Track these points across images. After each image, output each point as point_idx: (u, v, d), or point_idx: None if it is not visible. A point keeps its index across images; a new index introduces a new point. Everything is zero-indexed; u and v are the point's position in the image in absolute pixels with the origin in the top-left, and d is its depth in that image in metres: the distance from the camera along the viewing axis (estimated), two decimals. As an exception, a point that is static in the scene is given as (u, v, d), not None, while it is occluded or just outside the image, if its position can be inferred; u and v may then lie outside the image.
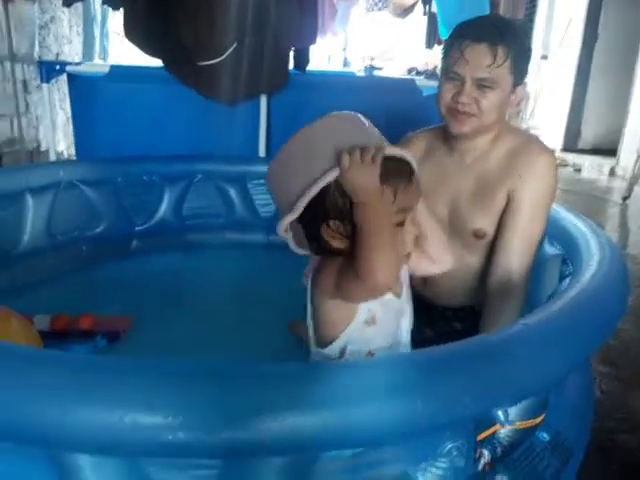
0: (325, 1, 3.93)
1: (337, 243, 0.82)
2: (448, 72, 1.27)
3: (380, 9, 4.45)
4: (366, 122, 0.86)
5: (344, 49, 7.06)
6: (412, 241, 0.86)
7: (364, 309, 0.85)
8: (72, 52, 4.80)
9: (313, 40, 3.05)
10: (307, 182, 0.78)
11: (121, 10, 2.70)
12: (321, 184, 0.77)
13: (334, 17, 4.07)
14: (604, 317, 0.99)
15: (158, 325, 1.59)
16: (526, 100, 7.99)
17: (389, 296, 0.88)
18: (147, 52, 2.64)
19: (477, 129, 1.29)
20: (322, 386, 0.70)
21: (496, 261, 1.32)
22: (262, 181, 2.57)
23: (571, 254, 1.35)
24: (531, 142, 1.33)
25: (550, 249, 1.52)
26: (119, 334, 1.59)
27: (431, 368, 0.76)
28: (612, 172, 5.51)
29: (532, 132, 7.10)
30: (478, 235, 1.35)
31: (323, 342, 0.88)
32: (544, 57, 7.66)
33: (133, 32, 2.59)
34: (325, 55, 6.72)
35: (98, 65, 2.99)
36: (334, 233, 0.81)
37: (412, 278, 1.53)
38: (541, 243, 1.39)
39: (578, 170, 5.81)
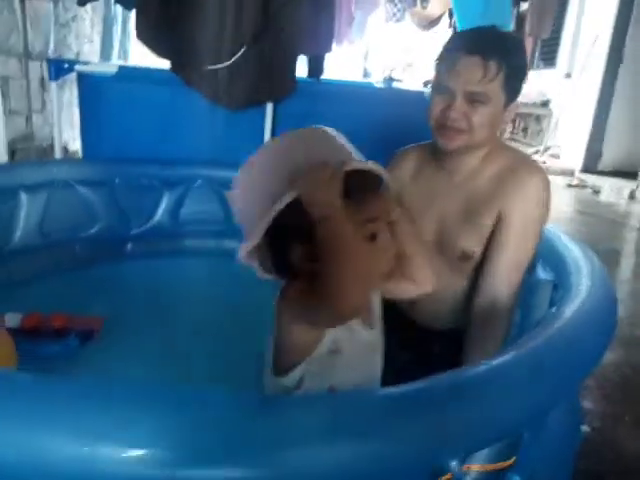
0: (342, 8, 3.90)
1: (304, 266, 0.77)
2: (439, 86, 1.22)
3: (398, 20, 4.41)
4: (333, 137, 0.81)
5: (365, 59, 7.04)
6: (393, 257, 0.80)
7: (329, 338, 0.79)
8: (92, 51, 4.86)
9: (328, 48, 3.01)
10: (264, 207, 0.74)
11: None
12: (277, 208, 0.73)
13: (351, 25, 4.04)
14: (581, 356, 0.92)
15: (133, 329, 1.56)
16: (548, 118, 7.89)
17: (358, 326, 0.83)
18: (156, 53, 2.64)
19: (467, 146, 1.23)
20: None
21: (481, 284, 1.26)
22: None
23: (561, 280, 1.28)
24: (522, 162, 1.27)
25: (542, 273, 1.45)
26: (92, 334, 1.57)
27: (383, 410, 0.70)
28: (632, 195, 5.37)
29: (553, 151, 6.98)
30: (465, 256, 1.30)
31: (281, 369, 0.82)
32: (568, 75, 7.55)
33: (144, 32, 2.59)
34: (345, 64, 6.70)
35: (106, 65, 2.99)
36: (301, 256, 0.77)
37: (396, 302, 1.51)
38: (532, 267, 1.33)
39: (597, 192, 5.69)
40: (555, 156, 6.90)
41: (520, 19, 9.26)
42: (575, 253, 1.32)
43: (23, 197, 1.91)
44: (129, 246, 2.29)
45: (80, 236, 2.15)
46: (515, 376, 0.78)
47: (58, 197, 2.04)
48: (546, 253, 1.39)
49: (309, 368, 0.80)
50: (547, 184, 1.24)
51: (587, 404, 1.73)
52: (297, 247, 0.76)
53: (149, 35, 2.56)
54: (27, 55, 3.00)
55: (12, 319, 1.48)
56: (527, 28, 7.43)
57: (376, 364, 0.88)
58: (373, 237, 0.76)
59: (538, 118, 8.81)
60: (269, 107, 2.71)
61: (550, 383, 0.83)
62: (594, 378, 1.85)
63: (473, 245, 1.27)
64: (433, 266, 0.90)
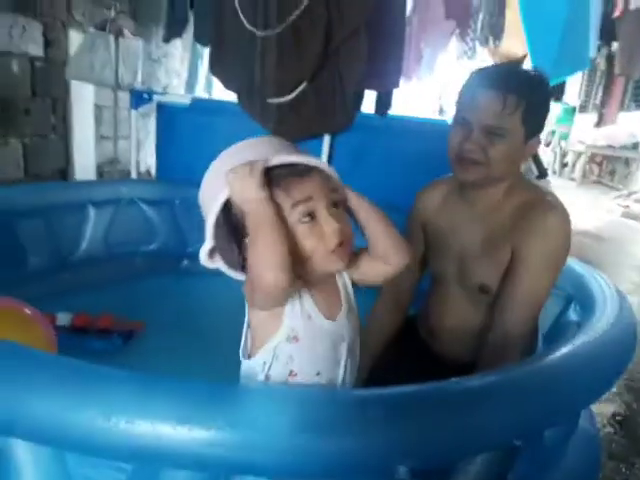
0: (411, 45, 3.98)
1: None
2: (457, 118, 1.25)
3: (470, 58, 4.41)
4: (275, 141, 0.89)
5: (440, 97, 7.04)
6: (336, 232, 0.81)
7: (287, 326, 0.85)
8: (180, 85, 5.27)
9: (396, 84, 3.09)
10: (208, 207, 0.84)
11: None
12: (215, 209, 0.82)
13: (419, 62, 4.11)
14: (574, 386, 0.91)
15: (170, 335, 1.68)
16: (637, 162, 7.46)
17: (318, 317, 0.87)
18: (226, 86, 2.85)
19: (484, 179, 1.24)
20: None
21: (494, 319, 1.25)
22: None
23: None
24: (541, 198, 1.25)
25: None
26: (132, 334, 1.72)
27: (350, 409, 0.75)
28: None
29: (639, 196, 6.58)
30: (484, 289, 1.30)
31: (249, 353, 0.90)
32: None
33: (215, 67, 2.82)
34: (420, 101, 6.76)
35: (181, 96, 3.26)
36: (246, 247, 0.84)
37: (419, 331, 1.52)
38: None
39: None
40: (640, 201, 6.50)
41: (610, 59, 8.96)
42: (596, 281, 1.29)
43: (91, 211, 2.11)
44: (185, 263, 2.44)
45: (140, 250, 2.32)
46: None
47: (123, 213, 2.22)
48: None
49: (272, 354, 0.86)
50: (564, 221, 1.22)
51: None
52: (244, 239, 0.84)
53: (220, 69, 2.78)
54: (117, 86, 3.32)
55: (64, 318, 1.66)
56: (617, 68, 7.16)
57: (340, 354, 0.90)
58: (311, 216, 0.81)
59: (627, 161, 8.37)
60: (326, 139, 2.82)
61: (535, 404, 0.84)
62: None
63: (491, 278, 1.27)
64: (402, 241, 0.90)
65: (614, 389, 2.10)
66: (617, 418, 1.90)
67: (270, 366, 0.86)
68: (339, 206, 0.85)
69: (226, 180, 0.80)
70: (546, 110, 1.24)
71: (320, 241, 0.81)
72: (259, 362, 0.87)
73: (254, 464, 0.73)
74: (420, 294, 1.52)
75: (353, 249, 0.88)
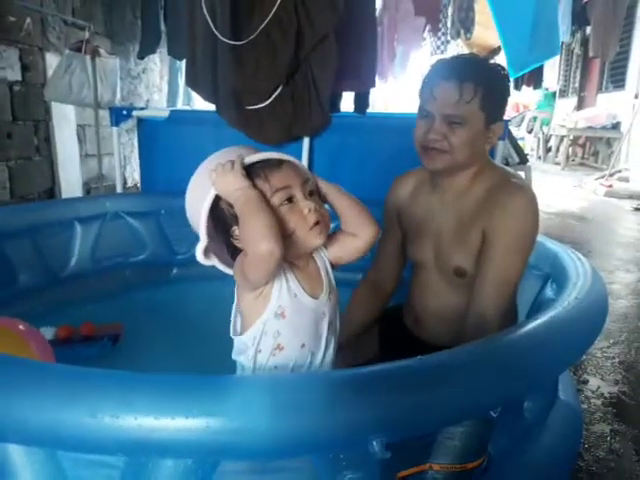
0: (384, 45, 4.04)
1: (240, 243, 0.94)
2: (420, 110, 1.29)
3: (442, 52, 4.48)
4: (251, 147, 0.99)
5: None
6: (313, 211, 0.92)
7: (274, 304, 0.94)
8: (161, 99, 5.32)
9: (372, 83, 3.14)
10: (198, 211, 0.93)
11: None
12: (206, 207, 0.92)
13: (393, 60, 4.17)
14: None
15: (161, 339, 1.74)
16: (618, 141, 7.56)
17: (303, 296, 0.97)
18: (203, 97, 2.90)
19: (450, 166, 1.28)
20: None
21: (471, 301, 1.30)
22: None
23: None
24: (506, 180, 1.30)
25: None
26: (119, 337, 1.81)
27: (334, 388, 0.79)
28: None
29: (623, 174, 6.67)
30: (459, 273, 1.34)
31: (240, 331, 0.99)
32: (637, 96, 7.24)
33: (191, 79, 2.87)
34: (402, 98, 6.82)
35: (160, 110, 3.30)
36: (237, 237, 0.94)
37: (404, 318, 1.57)
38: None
39: (668, 216, 5.36)
40: (624, 179, 6.58)
41: (585, 42, 9.06)
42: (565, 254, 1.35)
43: (78, 227, 2.16)
44: (174, 271, 2.49)
45: (129, 261, 2.36)
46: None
47: (109, 227, 2.27)
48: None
49: (262, 329, 0.95)
50: (531, 203, 1.26)
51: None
52: (234, 230, 0.94)
53: (196, 82, 2.83)
54: (97, 105, 3.37)
55: (47, 332, 1.70)
56: (591, 51, 7.26)
57: (321, 329, 1.00)
58: (290, 200, 0.92)
59: (608, 141, 8.47)
60: (306, 141, 2.87)
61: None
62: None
63: (465, 262, 1.32)
64: (369, 216, 1.01)
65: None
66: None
67: (260, 340, 0.96)
68: (313, 194, 0.96)
69: (210, 179, 0.90)
70: (505, 95, 1.30)
71: (300, 220, 0.92)
72: (250, 337, 0.96)
73: (236, 448, 0.77)
74: (405, 284, 1.57)
75: (329, 229, 0.97)
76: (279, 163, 0.94)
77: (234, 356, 1.02)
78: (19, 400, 0.77)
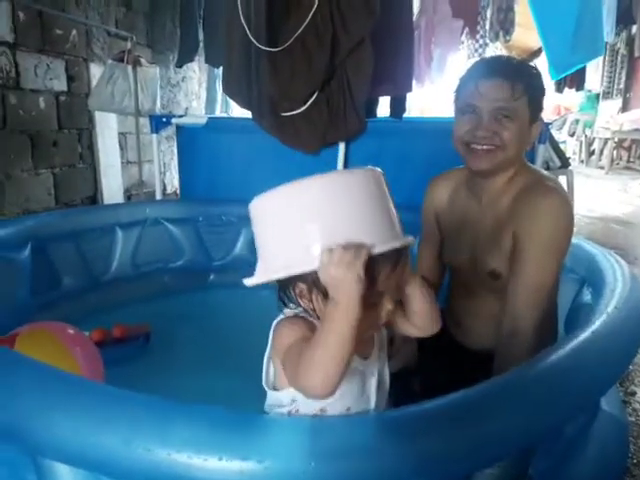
0: (420, 49, 4.01)
1: (304, 303, 0.81)
2: (462, 106, 1.25)
3: (481, 55, 4.39)
4: (373, 194, 0.78)
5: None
6: (388, 315, 0.81)
7: None
8: (200, 107, 5.42)
9: (408, 88, 3.12)
10: (285, 263, 0.76)
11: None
12: (294, 272, 0.76)
13: (430, 64, 4.12)
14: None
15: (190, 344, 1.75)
16: None
17: (354, 358, 0.82)
18: (239, 104, 2.94)
19: (500, 163, 1.24)
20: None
21: (505, 306, 1.26)
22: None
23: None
24: (538, 183, 1.26)
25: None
26: (149, 336, 1.90)
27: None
28: None
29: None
30: (494, 276, 1.31)
31: (275, 386, 0.88)
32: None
33: (228, 86, 2.91)
34: (440, 103, 6.74)
35: (198, 117, 3.36)
36: (304, 294, 0.80)
37: (446, 322, 1.54)
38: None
39: None
40: (671, 184, 6.32)
41: (630, 42, 8.76)
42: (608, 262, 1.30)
43: (119, 233, 2.22)
44: (212, 277, 2.52)
45: (168, 267, 2.41)
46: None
47: (149, 233, 2.32)
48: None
49: (297, 393, 0.82)
50: (562, 206, 1.22)
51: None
52: (300, 285, 0.79)
53: (233, 89, 2.87)
54: (138, 113, 3.46)
55: None
56: (637, 50, 7.03)
57: (369, 390, 0.88)
58: (374, 305, 0.78)
59: (656, 144, 8.16)
60: (341, 146, 2.87)
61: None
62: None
63: (499, 265, 1.29)
64: (437, 315, 0.91)
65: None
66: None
67: (299, 403, 0.84)
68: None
69: (319, 257, 0.71)
70: (544, 96, 1.27)
71: (369, 323, 0.79)
72: (286, 396, 0.85)
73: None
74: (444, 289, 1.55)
75: None
76: (397, 258, 0.77)
77: (266, 407, 0.90)
78: (57, 418, 0.77)
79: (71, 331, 1.55)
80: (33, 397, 0.81)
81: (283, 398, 0.86)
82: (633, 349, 1.09)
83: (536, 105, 1.23)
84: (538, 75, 1.26)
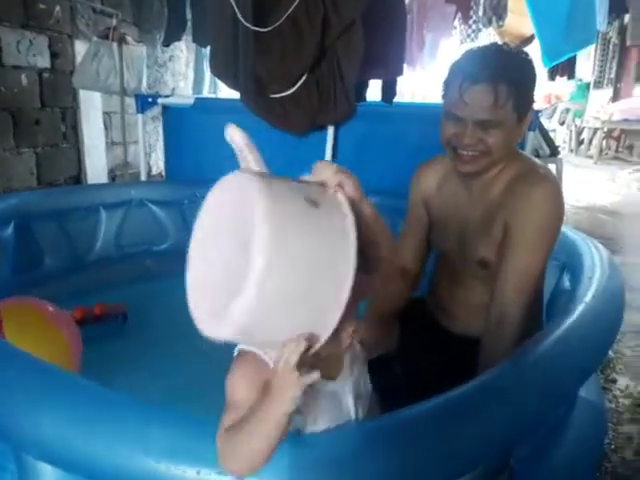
0: (412, 33, 3.96)
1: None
2: (447, 113, 1.23)
3: (473, 40, 4.36)
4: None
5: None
6: (350, 336, 0.77)
7: None
8: (187, 87, 5.34)
9: (400, 72, 3.09)
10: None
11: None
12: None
13: (422, 49, 4.08)
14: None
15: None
16: None
17: (319, 384, 0.76)
18: (228, 85, 2.89)
19: (486, 167, 1.24)
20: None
21: (493, 293, 1.26)
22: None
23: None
24: (529, 171, 1.25)
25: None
26: (126, 315, 1.93)
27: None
28: None
29: None
30: (483, 265, 1.31)
31: None
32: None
33: (216, 67, 2.86)
34: (426, 88, 6.72)
35: (184, 97, 3.31)
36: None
37: (428, 308, 1.54)
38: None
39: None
40: (659, 174, 6.36)
41: (622, 31, 8.75)
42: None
43: (102, 214, 2.18)
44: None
45: (152, 250, 2.37)
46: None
47: (133, 215, 2.28)
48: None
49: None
50: (554, 193, 1.21)
51: None
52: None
53: (220, 69, 2.81)
54: (123, 92, 3.39)
55: None
56: (629, 39, 7.03)
57: (346, 409, 0.83)
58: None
59: (645, 134, 8.20)
60: (330, 130, 2.84)
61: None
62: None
63: (488, 253, 1.28)
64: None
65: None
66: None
67: None
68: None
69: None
70: (534, 86, 1.23)
71: (335, 344, 0.75)
72: None
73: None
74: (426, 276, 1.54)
75: None
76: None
77: None
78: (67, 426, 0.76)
79: (51, 308, 1.54)
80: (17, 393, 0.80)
81: None
82: (611, 338, 1.10)
83: (524, 104, 1.19)
84: (528, 66, 1.21)
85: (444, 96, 1.25)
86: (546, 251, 1.24)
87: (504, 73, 1.14)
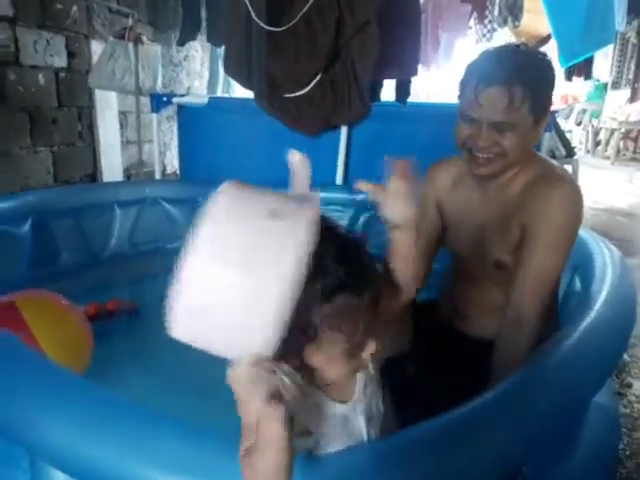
0: (428, 33, 3.94)
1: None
2: (463, 114, 1.21)
3: (489, 40, 4.32)
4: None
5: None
6: (370, 357, 0.75)
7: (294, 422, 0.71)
8: (202, 86, 5.36)
9: (413, 72, 3.08)
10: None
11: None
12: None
13: (437, 49, 4.05)
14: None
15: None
16: None
17: (329, 403, 0.78)
18: (241, 84, 2.90)
19: (501, 169, 1.22)
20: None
21: (510, 295, 1.24)
22: (332, 207, 2.66)
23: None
24: (549, 173, 1.23)
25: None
26: (138, 312, 1.98)
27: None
28: None
29: None
30: (499, 266, 1.29)
31: None
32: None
33: (230, 66, 2.87)
34: (443, 88, 6.67)
35: (199, 96, 3.32)
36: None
37: (441, 309, 1.52)
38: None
39: None
40: (677, 176, 6.26)
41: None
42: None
43: (117, 211, 2.20)
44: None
45: (166, 247, 2.39)
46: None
47: (148, 212, 2.30)
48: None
49: None
50: (573, 195, 1.20)
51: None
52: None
53: (234, 69, 2.82)
54: (139, 92, 3.41)
55: None
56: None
57: (358, 431, 0.81)
58: (354, 351, 0.72)
59: (663, 135, 8.08)
60: (344, 130, 2.83)
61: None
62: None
63: (504, 255, 1.27)
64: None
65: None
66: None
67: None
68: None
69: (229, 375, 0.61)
70: (552, 88, 1.21)
71: (354, 367, 0.74)
72: None
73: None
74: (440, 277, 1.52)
75: None
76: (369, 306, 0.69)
77: None
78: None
79: (64, 302, 1.58)
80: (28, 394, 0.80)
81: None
82: (623, 344, 1.08)
83: (541, 106, 1.17)
84: (546, 68, 1.19)
85: (460, 97, 1.24)
86: (565, 253, 1.22)
87: (520, 74, 1.13)
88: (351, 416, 0.81)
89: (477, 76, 1.17)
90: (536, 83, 1.14)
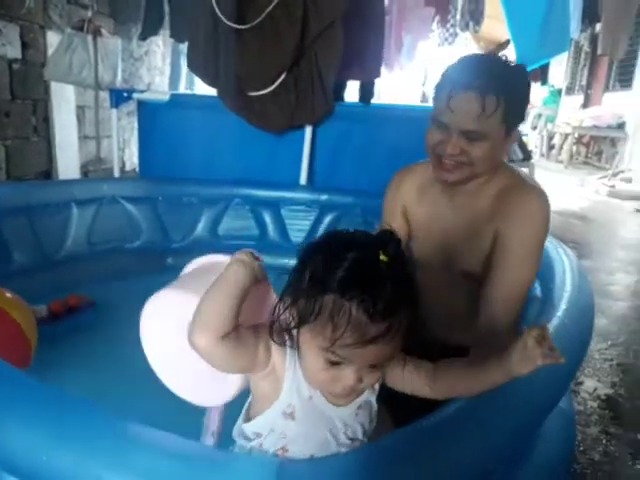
0: (391, 34, 3.97)
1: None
2: (435, 119, 1.20)
3: (450, 44, 4.41)
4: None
5: (423, 84, 7.04)
6: (346, 390, 0.77)
7: (283, 400, 0.79)
8: (163, 82, 5.26)
9: (377, 74, 3.09)
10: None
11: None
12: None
13: (400, 51, 4.09)
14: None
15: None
16: (623, 141, 7.50)
17: (320, 399, 0.80)
18: (205, 81, 2.85)
19: (468, 177, 1.21)
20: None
21: (481, 305, 1.23)
22: (297, 207, 2.66)
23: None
24: (520, 182, 1.23)
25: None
26: (94, 304, 1.98)
27: None
28: None
29: (626, 175, 6.63)
30: (468, 275, 1.28)
31: (247, 418, 0.86)
32: (643, 96, 7.19)
33: (193, 63, 2.82)
34: (405, 89, 6.76)
35: (160, 92, 3.25)
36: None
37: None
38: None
39: (670, 218, 5.33)
40: (627, 180, 6.54)
41: (594, 40, 8.96)
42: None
43: (74, 210, 2.13)
44: (169, 259, 2.45)
45: (125, 247, 2.33)
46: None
47: (106, 211, 2.24)
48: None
49: (266, 424, 0.80)
50: (544, 207, 1.20)
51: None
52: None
53: (198, 65, 2.78)
54: (97, 86, 3.32)
55: (41, 310, 1.73)
56: (600, 49, 7.17)
57: (340, 442, 0.81)
58: (334, 364, 0.73)
59: (613, 141, 8.41)
60: (308, 130, 2.83)
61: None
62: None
63: (474, 265, 1.26)
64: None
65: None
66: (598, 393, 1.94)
67: (264, 436, 0.81)
68: (378, 368, 0.76)
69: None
70: (527, 101, 1.21)
71: (330, 382, 0.75)
72: (253, 429, 0.82)
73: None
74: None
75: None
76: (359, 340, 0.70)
77: (234, 434, 0.87)
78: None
79: (9, 295, 1.52)
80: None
81: (248, 431, 0.83)
82: (584, 351, 1.11)
83: (513, 118, 1.17)
84: (522, 80, 1.19)
85: (434, 101, 1.22)
86: (536, 265, 1.22)
87: (495, 84, 1.11)
88: (339, 422, 0.81)
89: (452, 82, 1.15)
90: (510, 95, 1.13)
